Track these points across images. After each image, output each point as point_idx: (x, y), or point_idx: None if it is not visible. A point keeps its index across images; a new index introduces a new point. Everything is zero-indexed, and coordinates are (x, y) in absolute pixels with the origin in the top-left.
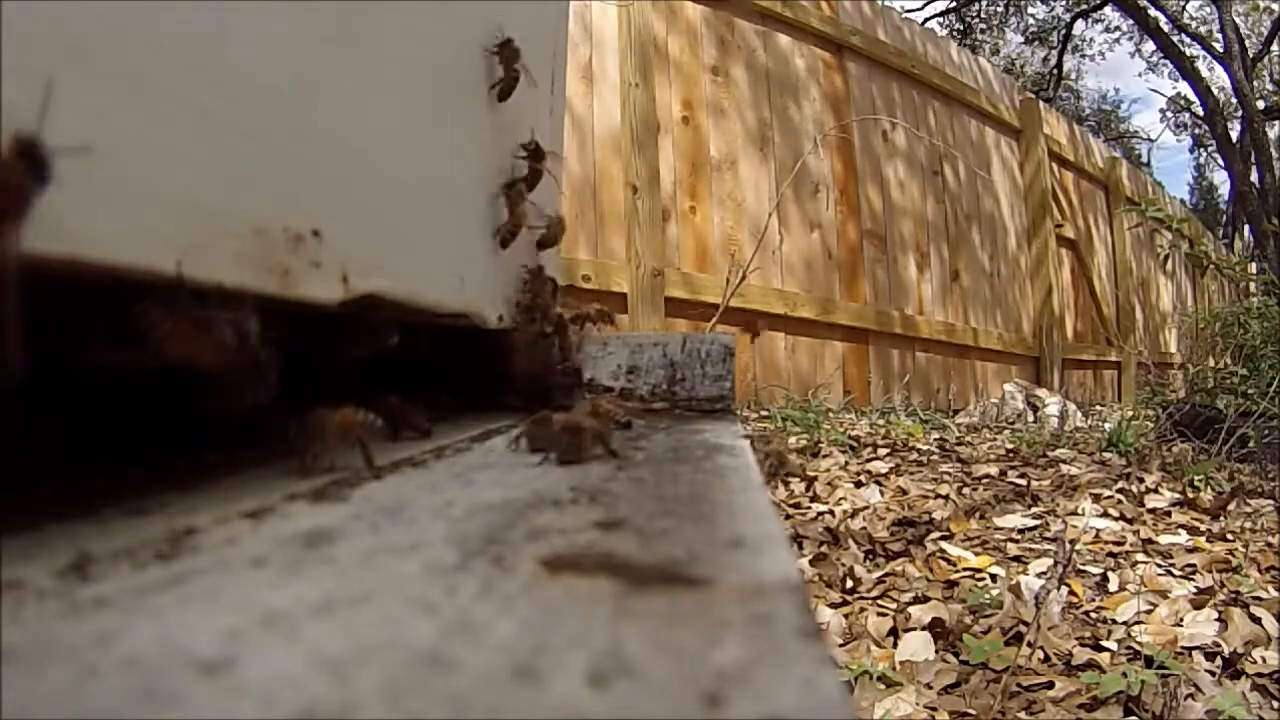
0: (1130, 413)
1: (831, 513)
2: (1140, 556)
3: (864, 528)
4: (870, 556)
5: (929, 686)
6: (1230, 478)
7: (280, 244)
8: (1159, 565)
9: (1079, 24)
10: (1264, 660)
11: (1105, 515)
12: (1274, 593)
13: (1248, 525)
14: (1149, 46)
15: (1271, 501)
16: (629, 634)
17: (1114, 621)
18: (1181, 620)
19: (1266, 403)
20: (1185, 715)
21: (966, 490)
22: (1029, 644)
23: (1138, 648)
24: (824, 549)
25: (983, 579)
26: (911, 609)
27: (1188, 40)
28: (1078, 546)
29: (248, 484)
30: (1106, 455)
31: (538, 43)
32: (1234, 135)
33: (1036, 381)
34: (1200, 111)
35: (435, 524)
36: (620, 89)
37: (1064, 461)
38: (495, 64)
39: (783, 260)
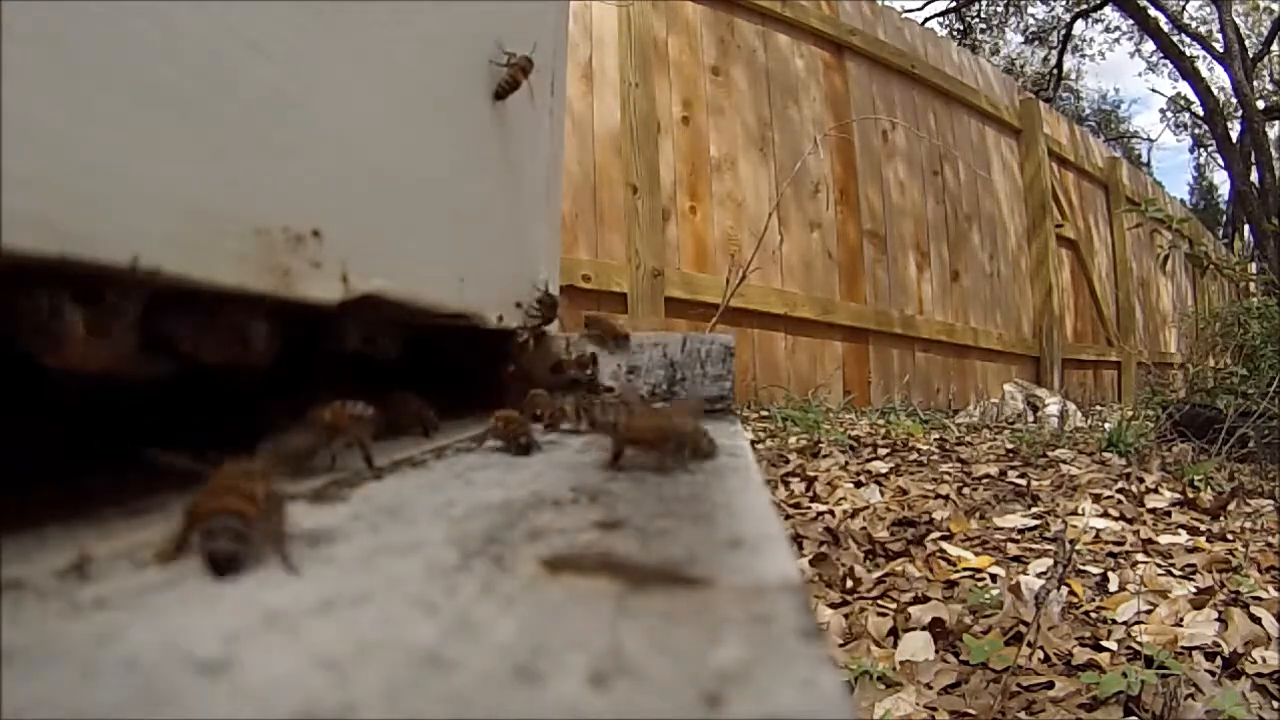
0: (1130, 413)
1: (831, 513)
2: (1140, 556)
3: (864, 528)
4: (870, 556)
5: (929, 686)
6: (1230, 478)
7: (280, 244)
8: (1159, 565)
9: (1079, 24)
10: (1264, 660)
11: (1105, 515)
12: (1274, 593)
13: (1248, 525)
14: (1149, 46)
15: (1271, 501)
16: (629, 634)
17: (1114, 621)
18: (1181, 620)
19: (1266, 403)
20: (1185, 715)
21: (966, 490)
22: (1029, 644)
23: (1138, 648)
24: (824, 549)
25: (983, 579)
26: (911, 609)
27: (1188, 40)
28: (1078, 546)
29: None
30: (1106, 455)
31: (538, 43)
32: (1234, 135)
33: (1036, 381)
34: (1200, 111)
35: (435, 524)
36: (620, 89)
37: (1064, 461)
38: (497, 66)
39: (783, 260)
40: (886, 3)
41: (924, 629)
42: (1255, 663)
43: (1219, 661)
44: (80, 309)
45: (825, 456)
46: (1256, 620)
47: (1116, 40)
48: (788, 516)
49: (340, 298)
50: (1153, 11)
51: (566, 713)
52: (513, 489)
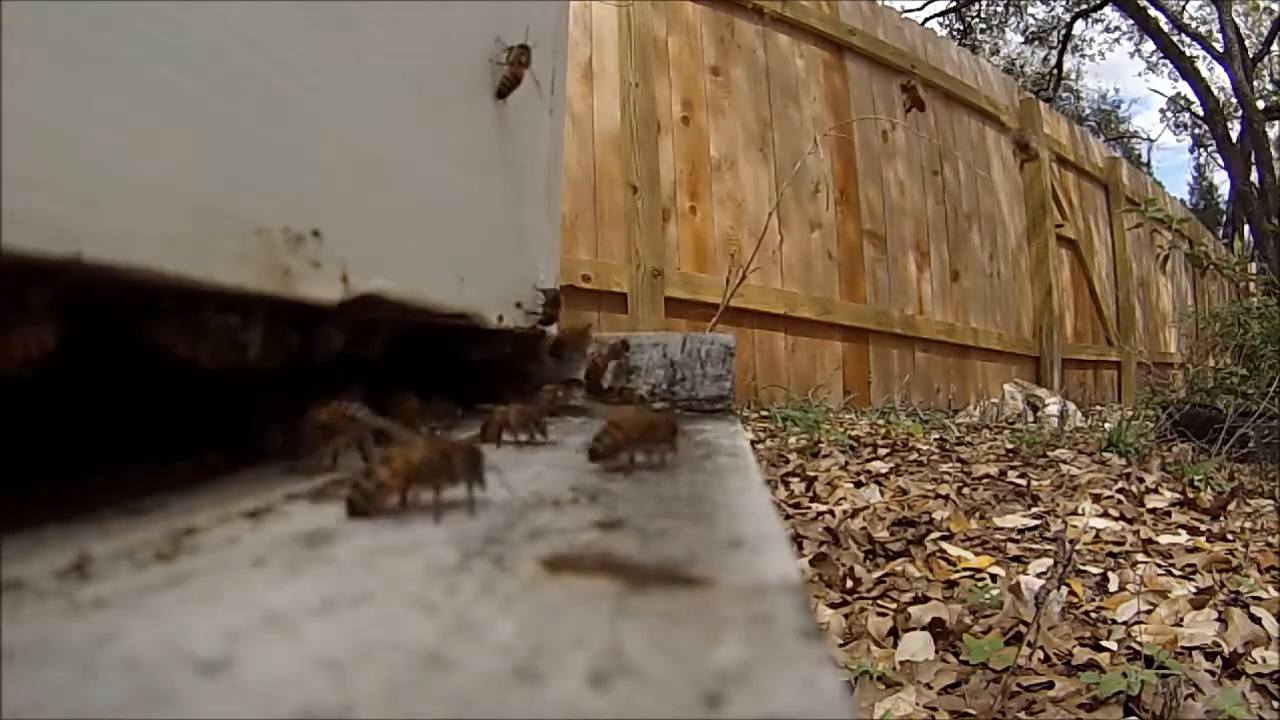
0: (1130, 413)
1: (831, 513)
2: (1140, 556)
3: (864, 528)
4: (870, 556)
5: (929, 686)
6: (1230, 478)
7: (280, 244)
8: (1159, 565)
9: (1079, 24)
10: (1264, 660)
11: (1105, 515)
12: (1274, 593)
13: (1248, 525)
14: (1149, 46)
15: (1271, 501)
16: (629, 634)
17: (1114, 621)
18: (1181, 620)
19: (1266, 403)
20: (1185, 715)
21: (966, 490)
22: (1029, 644)
23: (1138, 648)
24: (824, 549)
25: (983, 579)
26: (911, 609)
27: (1188, 40)
28: (1078, 546)
29: (248, 484)
30: (1106, 455)
31: (538, 43)
32: (1234, 135)
33: (1036, 381)
34: (1200, 111)
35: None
36: (620, 89)
37: (1064, 461)
38: (497, 65)
39: (783, 260)
40: (886, 3)
41: (924, 629)
42: (1255, 663)
43: (1219, 661)
44: None
45: (825, 456)
46: (1256, 620)
47: (1116, 40)
48: (788, 516)
49: (340, 298)
50: (1153, 11)
51: (566, 713)
52: (513, 489)
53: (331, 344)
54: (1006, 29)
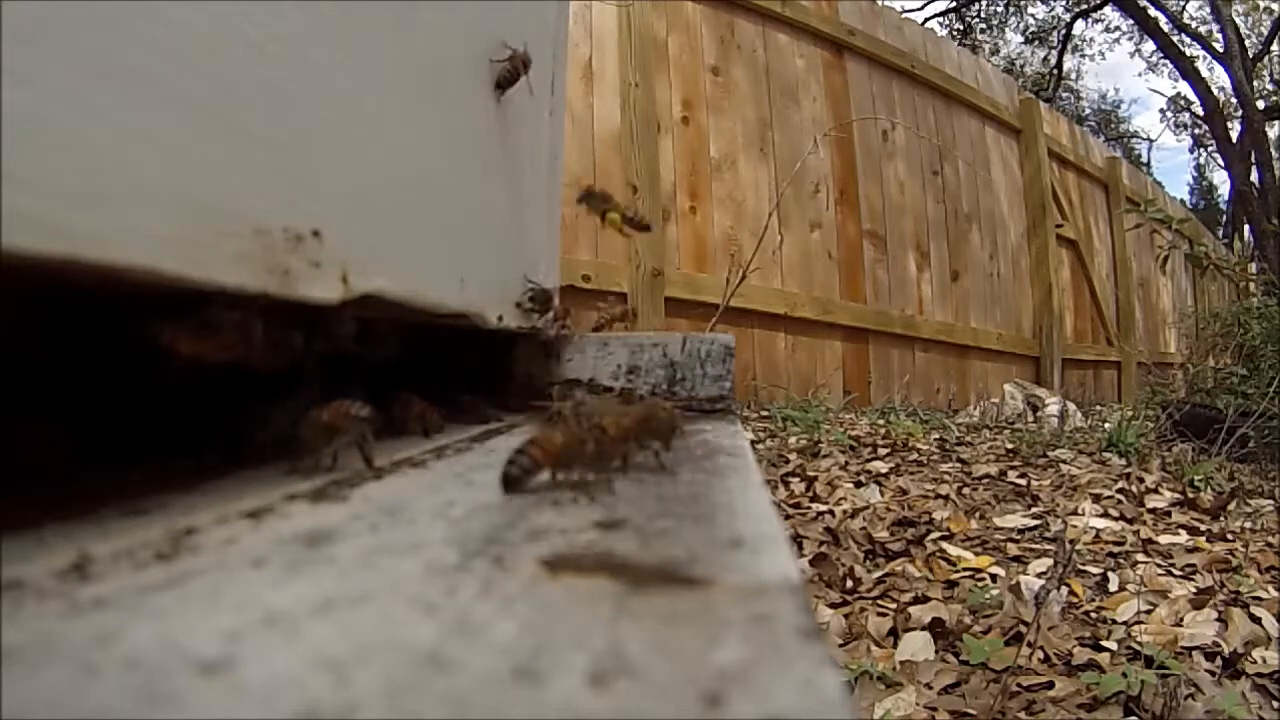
0: (1130, 413)
1: (831, 513)
2: (1140, 556)
3: (864, 528)
4: (870, 556)
5: (929, 686)
6: (1230, 478)
7: (280, 244)
8: (1159, 565)
9: (1079, 24)
10: (1264, 660)
11: (1105, 515)
12: (1274, 593)
13: (1248, 525)
14: (1149, 46)
15: (1271, 501)
16: (629, 634)
17: (1114, 621)
18: (1181, 620)
19: (1266, 403)
20: (1185, 715)
21: (966, 490)
22: (1029, 644)
23: (1138, 648)
24: (824, 549)
25: (983, 579)
26: (911, 609)
27: (1188, 40)
28: (1078, 546)
29: (248, 484)
30: (1106, 455)
31: (538, 43)
32: (1234, 135)
33: (1036, 381)
34: (1200, 111)
35: (435, 524)
36: (620, 88)
37: (1064, 461)
38: (495, 63)
39: (783, 260)
40: (886, 2)
41: (924, 629)
42: (1255, 663)
43: (1219, 661)
44: None
45: (825, 456)
46: (1256, 620)
47: (1116, 40)
48: (788, 516)
49: (340, 298)
50: (1153, 11)
51: (566, 713)
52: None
53: (332, 344)
54: (1006, 29)
